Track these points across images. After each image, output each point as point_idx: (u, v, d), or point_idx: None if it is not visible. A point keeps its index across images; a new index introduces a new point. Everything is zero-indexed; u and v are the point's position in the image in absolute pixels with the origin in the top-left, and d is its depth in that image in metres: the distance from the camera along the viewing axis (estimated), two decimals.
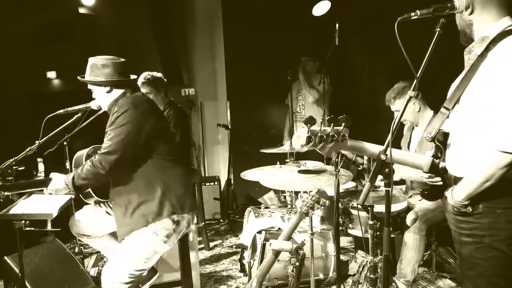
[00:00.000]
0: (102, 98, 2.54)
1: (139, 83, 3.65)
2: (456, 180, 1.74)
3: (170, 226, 2.45)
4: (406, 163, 1.84)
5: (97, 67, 2.47)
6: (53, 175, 2.53)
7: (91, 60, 2.50)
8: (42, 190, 2.52)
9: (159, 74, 3.80)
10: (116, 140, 2.33)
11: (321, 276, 3.28)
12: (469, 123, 1.67)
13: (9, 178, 2.41)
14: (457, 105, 1.73)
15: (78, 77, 2.53)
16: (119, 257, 2.44)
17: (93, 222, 2.73)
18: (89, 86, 2.55)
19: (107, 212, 2.72)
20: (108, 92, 2.50)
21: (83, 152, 2.72)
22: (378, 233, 2.69)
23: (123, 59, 2.54)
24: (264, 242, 2.89)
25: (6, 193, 2.38)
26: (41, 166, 3.54)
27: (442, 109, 1.77)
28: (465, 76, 1.71)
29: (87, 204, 2.80)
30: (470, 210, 1.67)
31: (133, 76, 2.62)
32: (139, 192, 2.43)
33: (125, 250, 2.44)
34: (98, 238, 2.77)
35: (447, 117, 1.75)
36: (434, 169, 1.80)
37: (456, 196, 1.69)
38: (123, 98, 2.47)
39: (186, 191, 2.57)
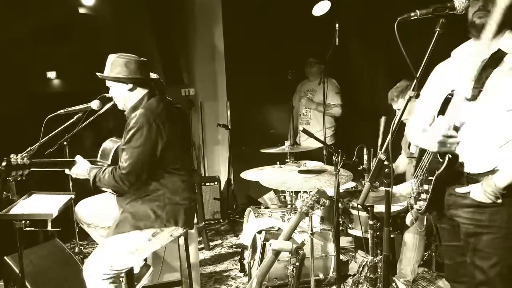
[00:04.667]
0: (123, 96, 2.51)
1: None
2: (469, 178, 1.79)
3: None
4: None
5: (119, 64, 2.44)
6: (78, 158, 2.56)
7: (113, 57, 2.47)
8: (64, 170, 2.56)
9: (154, 76, 3.77)
10: (131, 161, 2.35)
11: (321, 276, 3.28)
12: (499, 118, 1.71)
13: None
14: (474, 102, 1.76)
15: (98, 74, 2.50)
16: (102, 249, 2.47)
17: (95, 212, 2.74)
18: (108, 83, 2.51)
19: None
20: (130, 90, 2.48)
21: (113, 146, 2.66)
22: (378, 233, 2.69)
23: (144, 58, 2.52)
24: (264, 242, 2.88)
25: (32, 169, 2.40)
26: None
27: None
28: (481, 73, 1.74)
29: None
30: (501, 200, 1.72)
31: (152, 75, 2.61)
32: (140, 198, 2.46)
33: (109, 243, 2.45)
34: (97, 229, 2.78)
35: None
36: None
37: (498, 183, 1.72)
38: (140, 109, 2.43)
39: (184, 204, 2.54)
